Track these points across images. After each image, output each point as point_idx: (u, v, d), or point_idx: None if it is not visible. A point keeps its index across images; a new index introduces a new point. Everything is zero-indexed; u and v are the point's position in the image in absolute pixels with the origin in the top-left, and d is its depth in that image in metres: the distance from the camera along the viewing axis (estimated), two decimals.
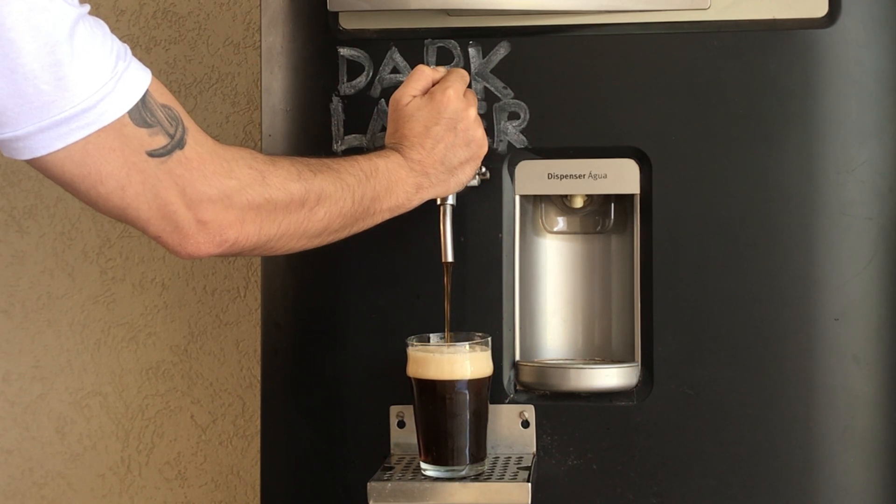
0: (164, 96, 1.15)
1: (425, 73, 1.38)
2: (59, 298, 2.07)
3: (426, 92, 1.37)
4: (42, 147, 1.08)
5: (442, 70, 1.40)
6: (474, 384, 1.36)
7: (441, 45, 1.43)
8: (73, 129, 1.08)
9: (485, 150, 1.39)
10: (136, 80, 1.12)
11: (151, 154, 1.13)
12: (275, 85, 1.46)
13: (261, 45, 1.47)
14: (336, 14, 1.44)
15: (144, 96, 1.12)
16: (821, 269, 1.39)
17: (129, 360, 2.06)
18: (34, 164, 1.10)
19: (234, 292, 2.04)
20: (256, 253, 1.27)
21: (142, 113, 1.12)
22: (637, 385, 1.42)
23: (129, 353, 2.06)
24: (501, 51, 1.42)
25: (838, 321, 1.38)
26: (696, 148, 1.39)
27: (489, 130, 1.41)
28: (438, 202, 1.40)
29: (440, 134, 1.35)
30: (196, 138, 1.17)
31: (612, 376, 1.42)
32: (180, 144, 1.15)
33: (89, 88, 1.08)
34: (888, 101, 1.39)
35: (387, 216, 1.35)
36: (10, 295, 2.07)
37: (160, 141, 1.13)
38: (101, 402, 2.07)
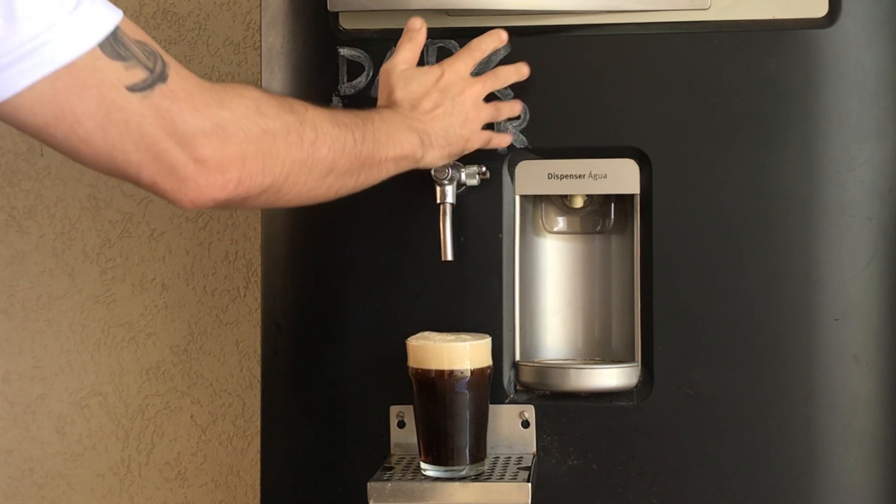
0: (137, 33, 1.08)
1: (418, 41, 1.36)
2: (59, 298, 2.07)
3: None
4: (5, 88, 1.01)
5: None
6: (474, 375, 1.35)
7: (441, 45, 1.43)
8: (35, 63, 1.01)
9: (479, 138, 1.38)
10: (102, 14, 1.05)
11: (131, 89, 1.06)
12: (275, 85, 1.46)
13: (261, 45, 1.47)
14: (336, 14, 1.44)
15: (116, 31, 1.05)
16: (821, 269, 1.39)
17: (129, 360, 2.06)
18: (4, 114, 1.04)
19: (234, 292, 2.04)
20: (264, 200, 1.17)
21: (114, 46, 1.05)
22: (637, 385, 1.42)
23: (129, 353, 2.06)
24: (501, 51, 1.42)
25: (838, 321, 1.38)
26: (696, 148, 1.39)
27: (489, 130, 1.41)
28: (438, 201, 1.39)
29: (437, 99, 1.33)
30: (179, 72, 1.09)
31: (612, 376, 1.42)
32: (162, 78, 1.07)
33: (43, 22, 1.01)
34: (888, 101, 1.38)
35: (392, 169, 1.30)
36: (10, 295, 2.07)
37: (138, 74, 1.06)
38: (101, 402, 2.07)
